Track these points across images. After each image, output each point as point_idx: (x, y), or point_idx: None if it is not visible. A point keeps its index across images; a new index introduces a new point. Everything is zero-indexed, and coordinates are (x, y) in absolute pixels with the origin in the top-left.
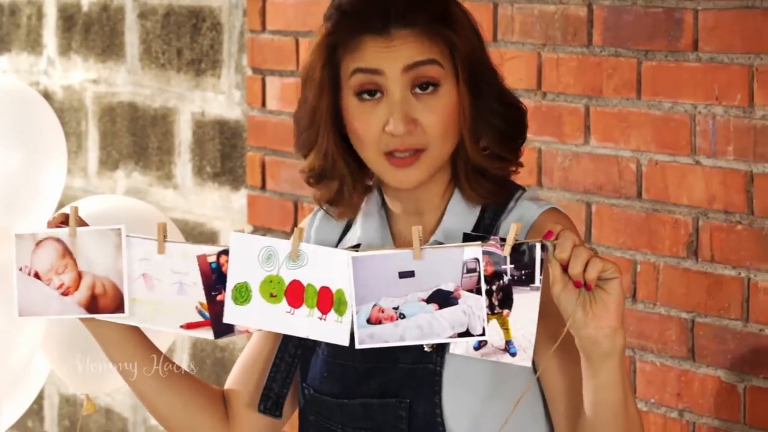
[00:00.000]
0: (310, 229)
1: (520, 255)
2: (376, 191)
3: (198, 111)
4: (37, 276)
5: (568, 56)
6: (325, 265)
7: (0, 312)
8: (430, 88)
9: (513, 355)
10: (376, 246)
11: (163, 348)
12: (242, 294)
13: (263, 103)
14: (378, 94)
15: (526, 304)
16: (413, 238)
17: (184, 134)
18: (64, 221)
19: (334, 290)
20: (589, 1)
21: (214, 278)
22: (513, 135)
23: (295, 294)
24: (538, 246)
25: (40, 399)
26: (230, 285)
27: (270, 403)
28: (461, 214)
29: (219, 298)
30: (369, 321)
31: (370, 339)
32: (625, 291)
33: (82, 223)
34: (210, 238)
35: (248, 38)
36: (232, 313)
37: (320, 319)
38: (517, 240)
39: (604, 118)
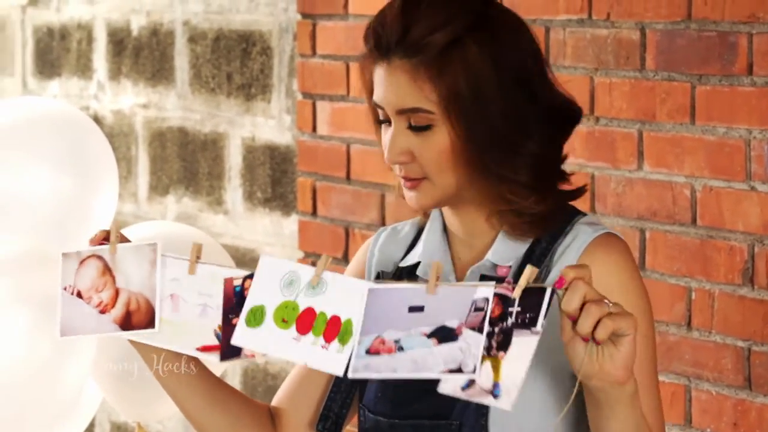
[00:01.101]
0: (374, 248)
1: (530, 298)
2: (439, 211)
3: (248, 136)
4: (79, 295)
5: (621, 81)
6: (342, 294)
7: (48, 342)
8: (424, 129)
9: (496, 396)
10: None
11: (217, 374)
12: (256, 317)
13: (314, 128)
14: (388, 122)
15: (523, 347)
16: (431, 273)
17: (234, 159)
18: (106, 238)
19: (343, 320)
20: (642, 25)
21: (234, 302)
22: (528, 184)
23: (305, 321)
24: (548, 291)
25: (91, 427)
26: (247, 307)
27: (329, 423)
28: (516, 237)
29: (234, 321)
30: (368, 351)
31: (365, 369)
32: (680, 320)
33: (123, 239)
34: None
35: (298, 62)
36: (241, 335)
37: (322, 347)
38: (529, 284)
39: (657, 143)
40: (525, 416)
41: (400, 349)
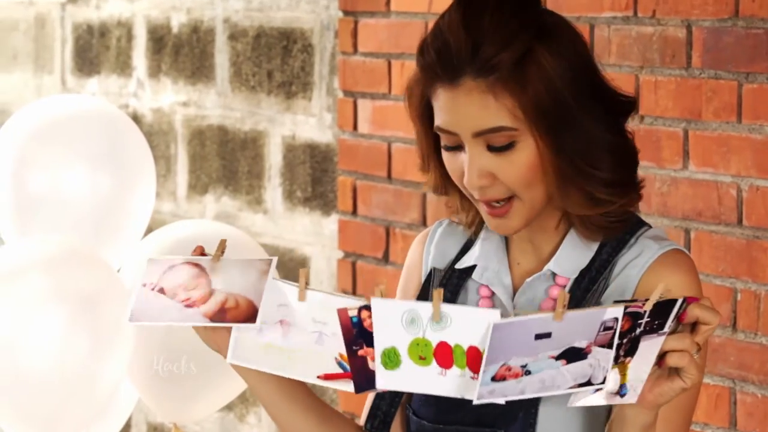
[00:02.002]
0: (430, 245)
1: (660, 309)
2: None
3: (288, 134)
4: (161, 292)
5: (667, 79)
6: (469, 325)
7: (85, 340)
8: (505, 148)
9: (623, 396)
10: (492, 269)
11: None
12: (391, 359)
13: (355, 127)
14: (458, 148)
15: (649, 348)
16: (558, 301)
17: (274, 158)
18: (202, 253)
19: (482, 349)
20: (688, 23)
21: (355, 332)
22: (614, 179)
23: (444, 355)
24: (680, 300)
25: (127, 428)
26: (378, 351)
27: (377, 421)
28: (578, 247)
29: (360, 353)
30: (494, 378)
31: (490, 395)
32: (725, 321)
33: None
34: (300, 263)
35: (340, 60)
36: (384, 379)
37: (472, 378)
38: (661, 298)
39: (703, 142)
40: (573, 425)
41: (527, 372)
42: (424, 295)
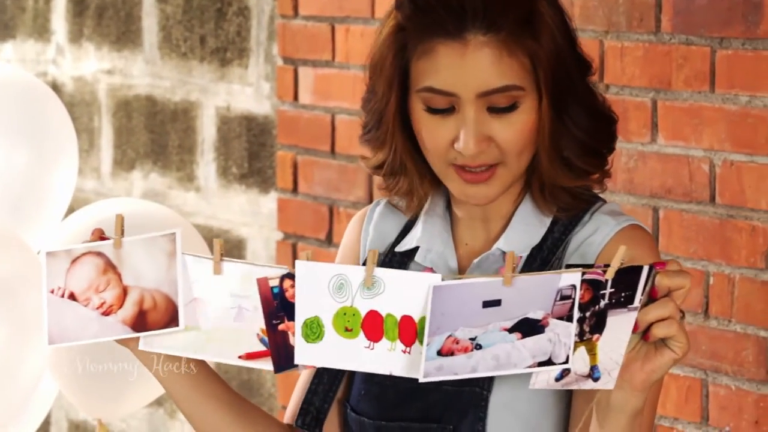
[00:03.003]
0: (369, 225)
1: (624, 277)
2: (442, 191)
3: (223, 105)
4: (72, 297)
5: (634, 44)
6: (405, 291)
7: (4, 330)
8: (509, 109)
9: (596, 380)
10: (436, 251)
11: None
12: (314, 330)
13: (295, 97)
14: (449, 110)
15: (620, 326)
16: (507, 264)
17: (207, 131)
18: (102, 236)
19: (416, 319)
20: None
21: (276, 305)
22: (598, 148)
23: (373, 326)
24: (645, 268)
25: (46, 425)
26: (299, 321)
27: (309, 418)
28: (529, 224)
29: (281, 327)
30: (440, 353)
31: (437, 371)
32: (696, 307)
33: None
34: (236, 246)
35: (279, 24)
36: (303, 353)
37: (404, 352)
38: (622, 264)
39: (673, 113)
40: (527, 419)
41: (478, 347)
42: None
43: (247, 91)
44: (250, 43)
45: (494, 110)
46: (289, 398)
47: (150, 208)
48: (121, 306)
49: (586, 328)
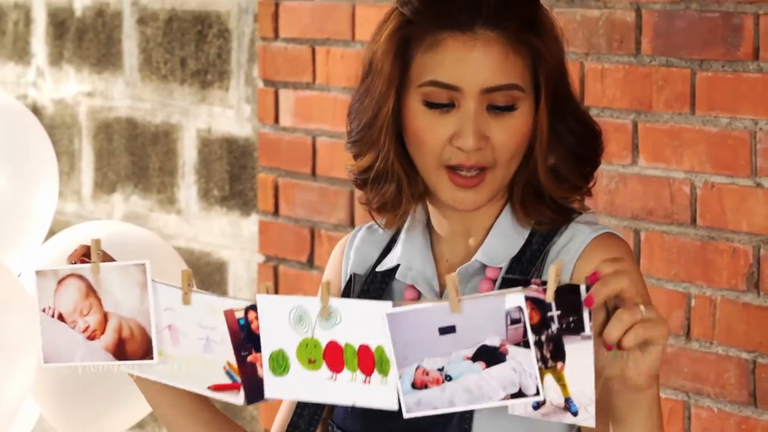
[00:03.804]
0: (350, 250)
1: (566, 299)
2: (421, 208)
3: (204, 128)
4: (61, 318)
5: (614, 66)
6: (360, 320)
7: None
8: (508, 109)
9: (575, 414)
10: (416, 268)
11: None
12: (280, 363)
13: (276, 119)
14: (449, 106)
15: (579, 355)
16: (448, 288)
17: (188, 153)
18: (86, 254)
19: (373, 348)
20: (638, 6)
21: (242, 336)
22: (587, 158)
23: (334, 357)
24: (582, 288)
25: None
26: (266, 354)
27: None
28: (507, 236)
29: (250, 359)
30: (414, 385)
31: (418, 406)
32: (678, 329)
33: (106, 257)
34: (217, 269)
35: (259, 47)
36: (272, 387)
37: (364, 382)
38: (559, 282)
39: (654, 135)
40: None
41: (448, 378)
42: None
43: (228, 114)
44: (231, 65)
45: (493, 109)
46: (271, 421)
47: (131, 231)
48: (103, 332)
49: (547, 354)
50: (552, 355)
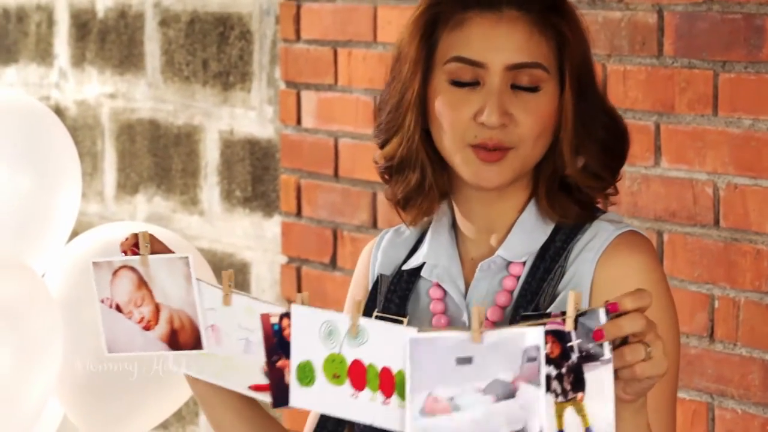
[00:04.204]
0: (377, 252)
1: (585, 324)
2: (446, 207)
3: (226, 129)
4: (118, 309)
5: (636, 68)
6: (385, 343)
7: (9, 354)
8: (531, 89)
9: None
10: (442, 266)
11: None
12: (306, 374)
13: (298, 121)
14: (474, 84)
15: (598, 381)
16: (473, 319)
17: (210, 155)
18: (136, 244)
19: (395, 371)
20: (660, 7)
21: (275, 342)
22: (616, 151)
23: (357, 375)
24: (601, 313)
25: None
26: (294, 363)
27: None
28: (530, 231)
29: (279, 364)
30: (423, 411)
31: None
32: (701, 331)
33: (156, 246)
34: (240, 270)
35: (281, 48)
36: (298, 396)
37: (384, 403)
38: (578, 310)
39: (676, 136)
40: None
41: (456, 408)
42: (371, 303)
43: (250, 115)
44: (253, 66)
45: (517, 88)
46: (294, 423)
47: (154, 232)
48: (157, 322)
49: (567, 387)
50: (572, 387)
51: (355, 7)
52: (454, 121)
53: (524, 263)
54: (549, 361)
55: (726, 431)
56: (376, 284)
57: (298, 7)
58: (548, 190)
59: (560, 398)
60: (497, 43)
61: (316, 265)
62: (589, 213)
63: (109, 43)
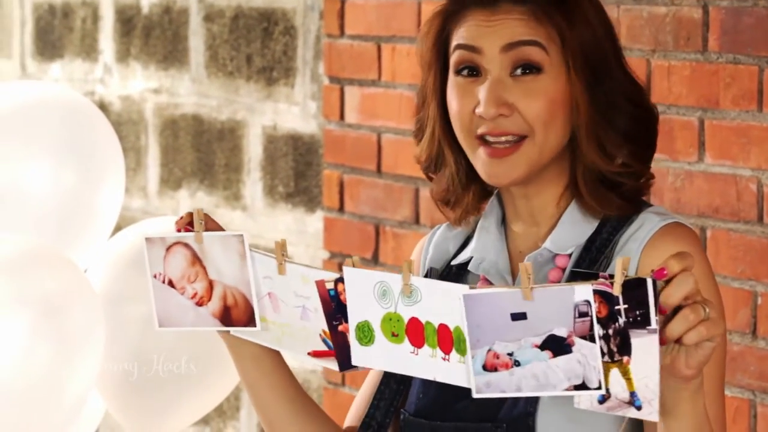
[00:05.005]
0: (429, 246)
1: (633, 292)
2: (496, 201)
3: (269, 124)
4: (170, 284)
5: (681, 63)
6: (439, 300)
7: (50, 348)
8: (532, 72)
9: (638, 408)
10: (489, 260)
11: None
12: (365, 334)
13: (341, 116)
14: (478, 74)
15: (645, 349)
16: (521, 275)
17: (254, 150)
18: (190, 222)
19: (452, 328)
20: (705, 2)
21: (333, 306)
22: (640, 139)
23: (415, 332)
24: (649, 282)
25: None
26: (352, 324)
27: (371, 431)
28: (576, 223)
29: (341, 328)
30: (485, 367)
31: (487, 388)
32: (744, 327)
33: (211, 225)
34: None
35: (325, 43)
36: (358, 356)
37: (444, 359)
38: (626, 275)
39: (721, 132)
40: (578, 417)
41: (517, 363)
42: None
43: (293, 110)
44: (297, 62)
45: (518, 75)
46: (333, 410)
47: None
48: (209, 299)
49: (614, 348)
50: (619, 349)
51: (399, 3)
52: (459, 113)
53: (570, 255)
54: (597, 320)
55: None
56: (426, 276)
57: (343, 3)
58: (586, 183)
59: (606, 358)
60: (491, 28)
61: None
62: (634, 205)
63: (154, 38)
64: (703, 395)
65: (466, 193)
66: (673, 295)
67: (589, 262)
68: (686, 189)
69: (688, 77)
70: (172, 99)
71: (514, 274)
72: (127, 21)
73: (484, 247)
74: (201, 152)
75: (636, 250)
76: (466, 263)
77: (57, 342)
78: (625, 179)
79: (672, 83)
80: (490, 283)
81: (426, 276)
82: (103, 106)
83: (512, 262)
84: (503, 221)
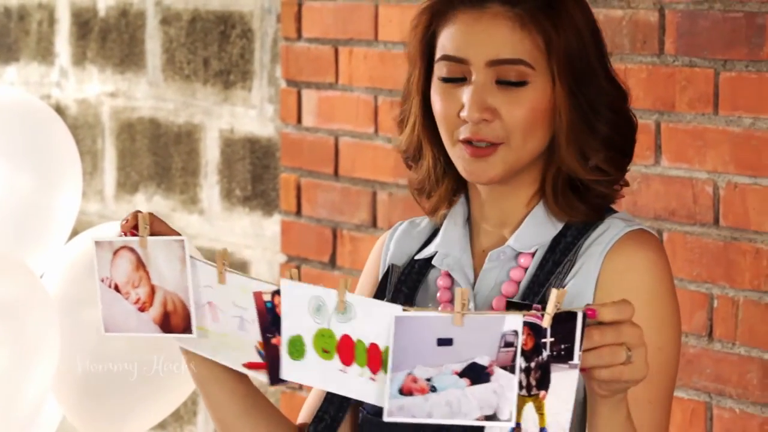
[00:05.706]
0: (390, 242)
1: (563, 325)
2: (464, 200)
3: (226, 128)
4: (116, 289)
5: (637, 66)
6: (372, 319)
7: (7, 353)
8: (517, 85)
9: None
10: (453, 256)
11: None
12: (297, 348)
13: (299, 119)
14: (463, 79)
15: (563, 384)
16: (456, 301)
17: (211, 153)
18: (136, 225)
19: (382, 348)
20: (661, 6)
21: (268, 319)
22: (620, 147)
23: (346, 350)
24: (579, 316)
25: None
26: (285, 338)
27: (323, 426)
28: (542, 224)
29: (274, 341)
30: (401, 391)
31: (399, 411)
32: (700, 330)
33: (157, 227)
34: (240, 268)
35: (282, 47)
36: (289, 369)
37: (371, 379)
38: (559, 308)
39: (677, 135)
40: None
41: (433, 389)
42: (380, 293)
43: (250, 114)
44: (254, 65)
45: (503, 83)
46: (289, 409)
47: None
48: (151, 304)
49: (533, 382)
50: (537, 383)
51: (357, 6)
52: (444, 117)
53: (533, 255)
54: (521, 352)
55: (724, 430)
56: (387, 274)
57: (300, 6)
58: (554, 188)
59: (523, 392)
60: (478, 39)
61: (315, 264)
62: (599, 212)
63: (110, 41)
64: (624, 410)
65: (440, 185)
66: (588, 361)
67: (553, 263)
68: (643, 192)
69: (644, 80)
70: (128, 102)
71: (476, 270)
72: (83, 24)
73: (450, 242)
74: (158, 156)
75: (599, 254)
76: (430, 258)
77: (12, 347)
78: (599, 186)
79: (629, 86)
80: (451, 279)
81: (386, 273)
82: (59, 110)
83: (476, 258)
84: (469, 219)
